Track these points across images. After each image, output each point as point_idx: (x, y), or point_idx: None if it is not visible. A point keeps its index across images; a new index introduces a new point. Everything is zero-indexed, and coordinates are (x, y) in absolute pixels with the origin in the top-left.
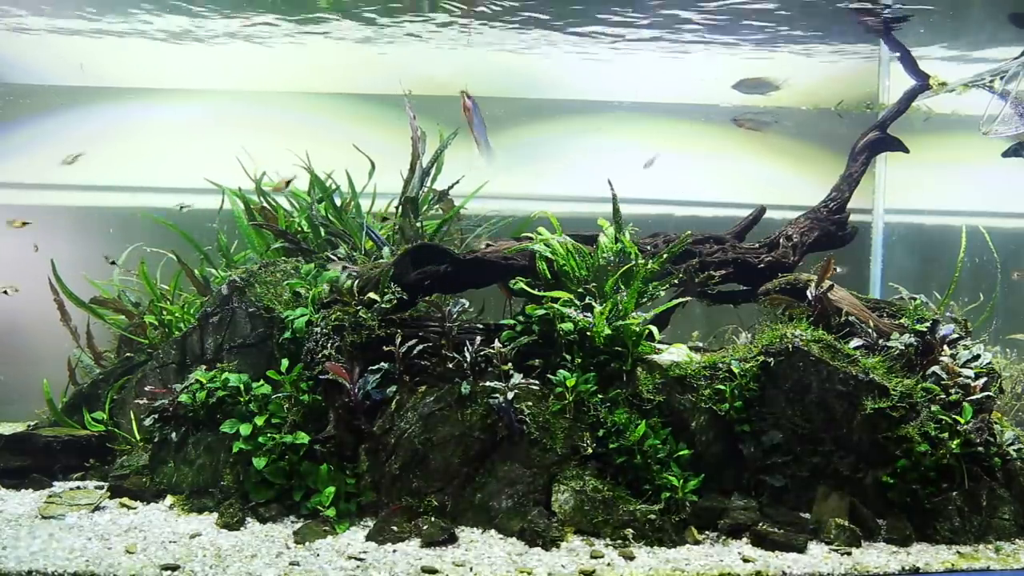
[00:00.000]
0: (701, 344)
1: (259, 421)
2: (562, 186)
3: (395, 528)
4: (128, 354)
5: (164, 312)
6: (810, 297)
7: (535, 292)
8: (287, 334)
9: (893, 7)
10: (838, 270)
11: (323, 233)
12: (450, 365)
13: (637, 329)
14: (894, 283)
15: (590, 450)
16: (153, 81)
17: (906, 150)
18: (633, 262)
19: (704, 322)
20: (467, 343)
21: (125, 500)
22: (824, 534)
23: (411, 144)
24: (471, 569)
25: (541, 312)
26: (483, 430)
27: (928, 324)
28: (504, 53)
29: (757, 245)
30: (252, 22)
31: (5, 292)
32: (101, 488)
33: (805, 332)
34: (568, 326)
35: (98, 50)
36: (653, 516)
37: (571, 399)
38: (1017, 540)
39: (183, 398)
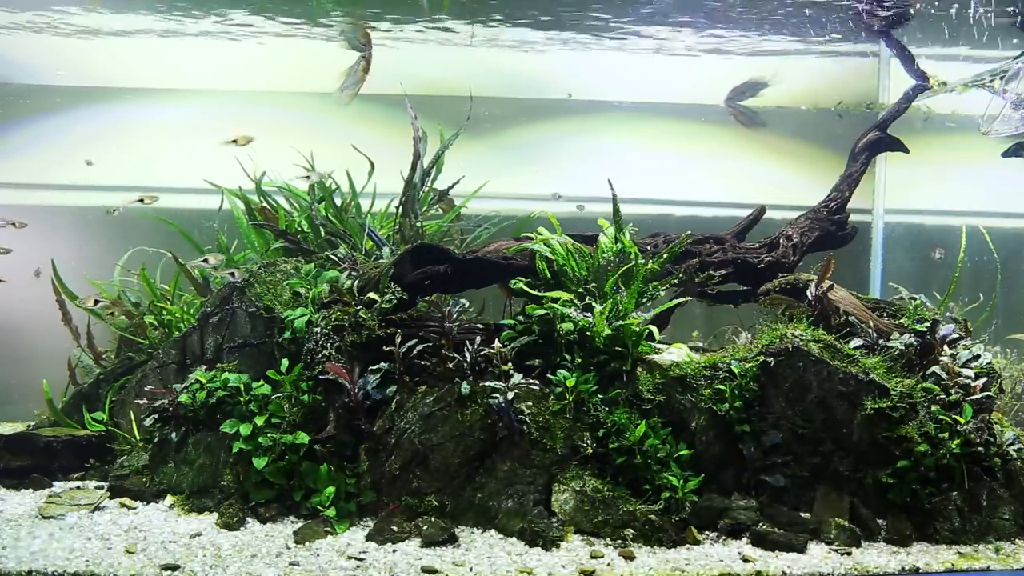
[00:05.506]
0: (701, 344)
1: (259, 421)
2: (562, 186)
3: (395, 528)
4: (128, 354)
5: (164, 312)
6: (810, 297)
7: (535, 292)
8: (287, 334)
9: (894, 7)
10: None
11: (323, 233)
12: (450, 365)
13: (637, 329)
14: (894, 283)
15: (590, 450)
16: (152, 81)
17: (906, 150)
18: (633, 262)
19: (704, 322)
20: (467, 343)
21: (125, 500)
22: (824, 534)
23: (412, 144)
24: (471, 569)
25: (541, 312)
26: (483, 430)
27: (928, 324)
28: (505, 53)
29: (757, 245)
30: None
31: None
32: (101, 488)
33: (805, 332)
34: (568, 326)
35: (98, 50)
36: (653, 516)
37: (571, 399)
38: (1017, 540)
39: (183, 398)
